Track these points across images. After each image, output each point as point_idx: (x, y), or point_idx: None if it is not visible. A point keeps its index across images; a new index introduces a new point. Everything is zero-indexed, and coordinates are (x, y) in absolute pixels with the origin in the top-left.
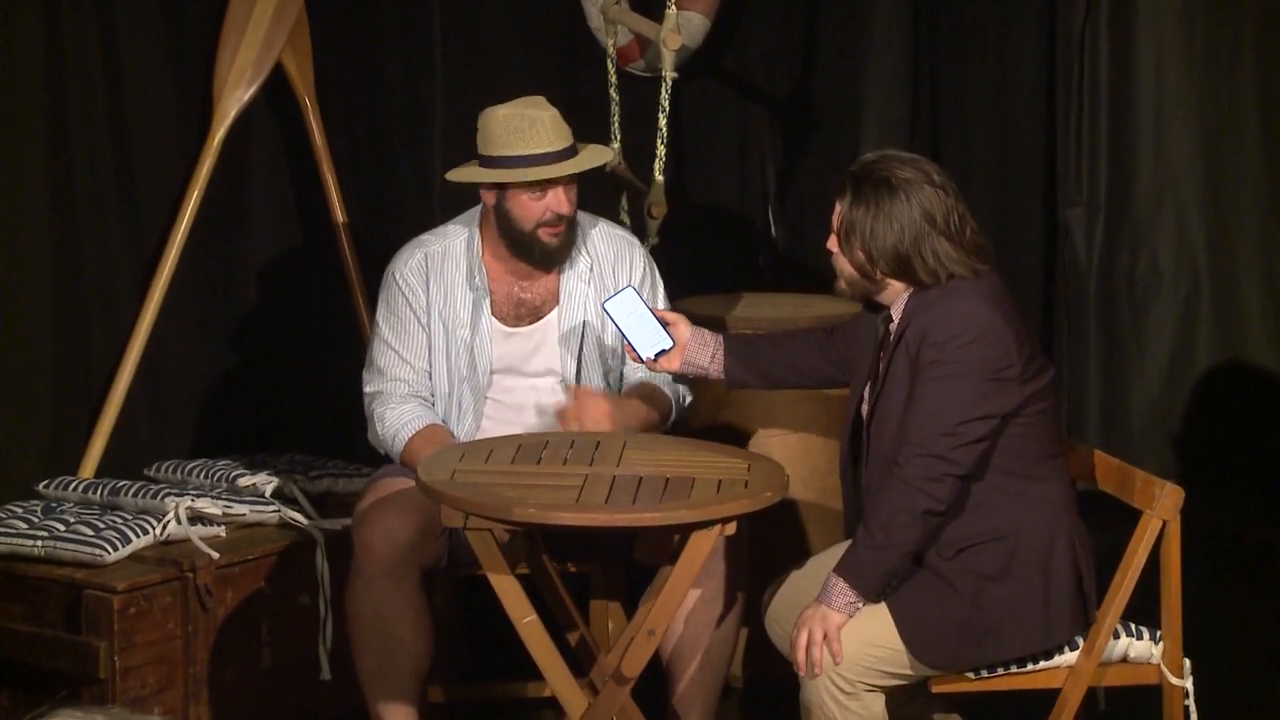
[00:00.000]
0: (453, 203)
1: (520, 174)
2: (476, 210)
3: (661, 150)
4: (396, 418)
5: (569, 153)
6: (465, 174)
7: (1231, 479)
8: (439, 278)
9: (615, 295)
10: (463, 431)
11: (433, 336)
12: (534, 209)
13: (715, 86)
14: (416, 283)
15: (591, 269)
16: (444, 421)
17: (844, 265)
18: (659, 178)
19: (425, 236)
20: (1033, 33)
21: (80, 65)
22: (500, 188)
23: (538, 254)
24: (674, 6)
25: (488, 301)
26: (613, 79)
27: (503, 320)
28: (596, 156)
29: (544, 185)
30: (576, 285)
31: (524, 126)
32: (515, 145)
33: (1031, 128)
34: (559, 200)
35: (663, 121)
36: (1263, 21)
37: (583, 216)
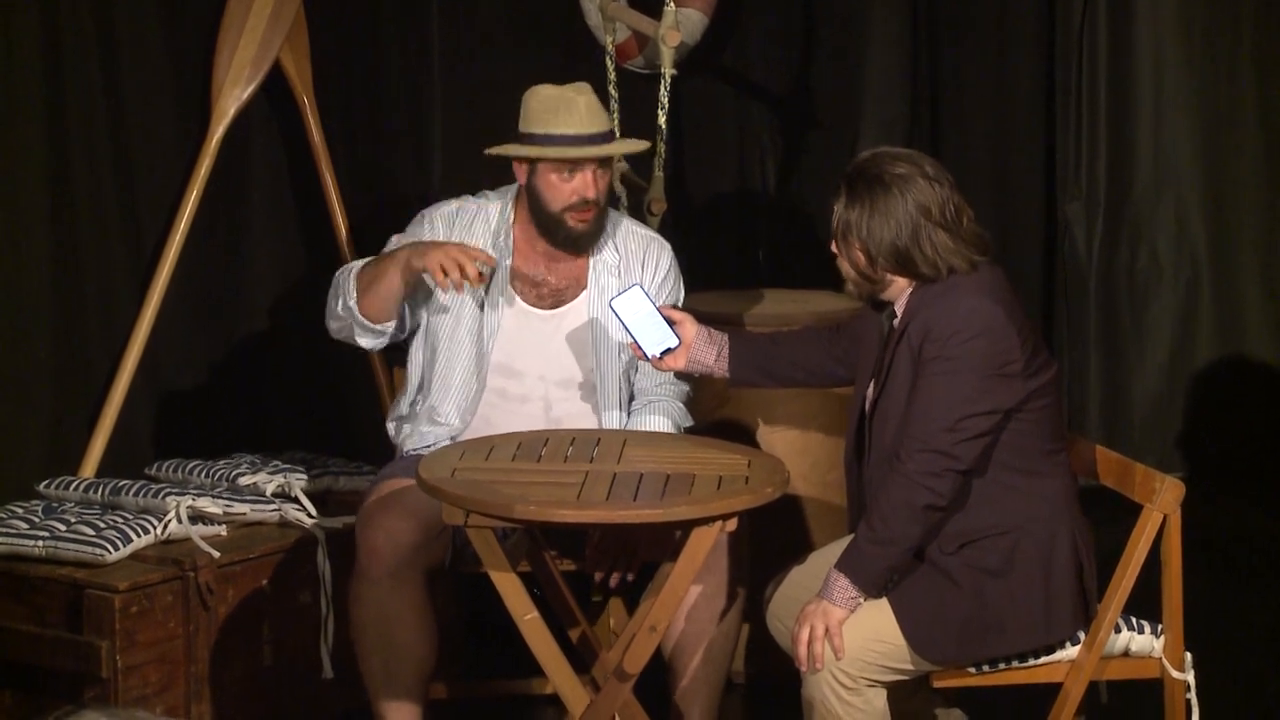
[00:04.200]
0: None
1: (548, 151)
2: (513, 187)
3: (660, 147)
4: (348, 266)
5: (601, 139)
6: (500, 148)
7: (1232, 472)
8: (466, 230)
9: (623, 293)
10: (466, 400)
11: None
12: (562, 190)
13: (714, 83)
14: (443, 227)
15: (619, 265)
16: (447, 391)
17: (846, 267)
18: (658, 174)
19: (464, 196)
20: (1032, 27)
21: (78, 64)
22: (531, 165)
23: (562, 237)
24: (672, 3)
25: (509, 264)
26: (611, 76)
27: (521, 295)
28: (628, 144)
29: (572, 167)
30: (606, 276)
31: (559, 107)
32: (549, 124)
33: (1031, 122)
34: (586, 183)
35: (662, 118)
36: (1261, 16)
37: (615, 215)
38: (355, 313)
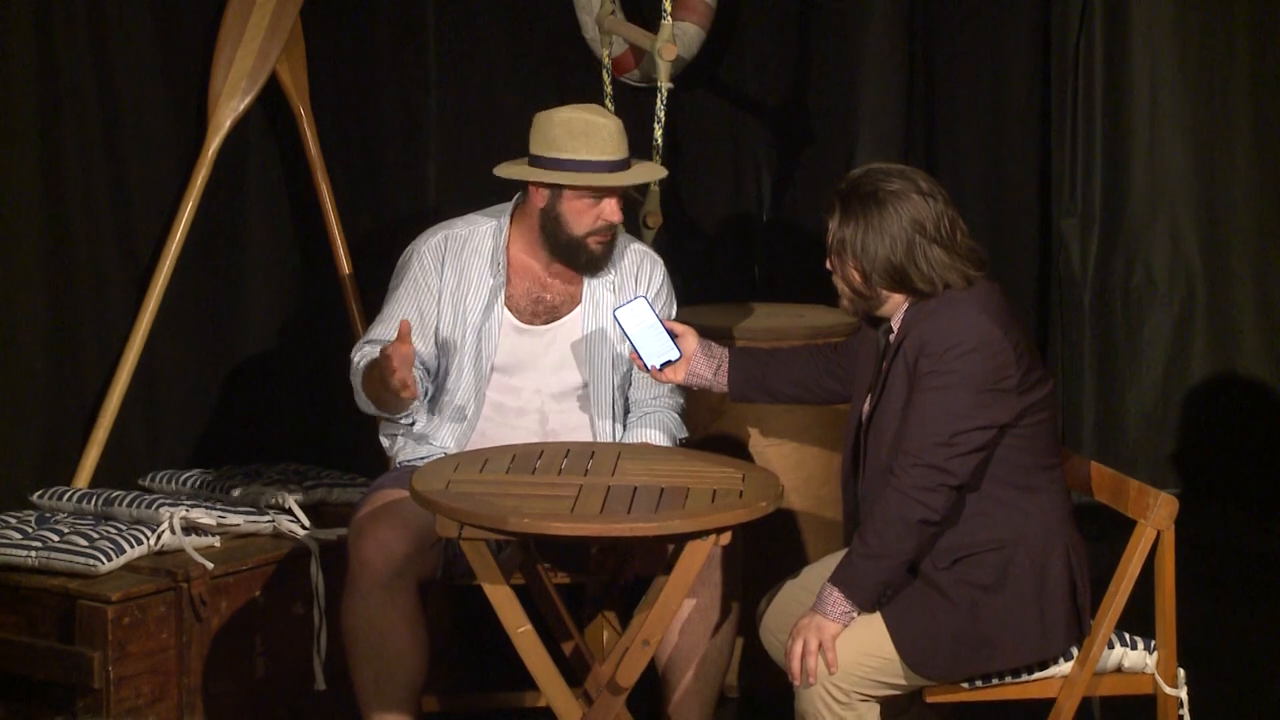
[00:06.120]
0: (449, 212)
1: (581, 178)
2: (505, 205)
3: (657, 161)
4: (363, 356)
5: (626, 164)
6: (518, 172)
7: (1225, 489)
8: (456, 260)
9: (627, 304)
10: (465, 421)
11: (441, 318)
12: (587, 215)
13: (710, 97)
14: (432, 262)
15: (614, 280)
16: (444, 407)
17: (841, 284)
18: (654, 188)
19: (452, 220)
20: (1027, 45)
21: (73, 75)
22: (555, 192)
23: (583, 260)
24: (669, 17)
25: (504, 293)
26: (608, 90)
27: (517, 315)
28: (651, 171)
29: (600, 194)
30: (601, 293)
31: (587, 131)
32: (577, 149)
33: (1026, 139)
34: (612, 209)
35: (658, 132)
36: (1255, 33)
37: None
38: (389, 416)
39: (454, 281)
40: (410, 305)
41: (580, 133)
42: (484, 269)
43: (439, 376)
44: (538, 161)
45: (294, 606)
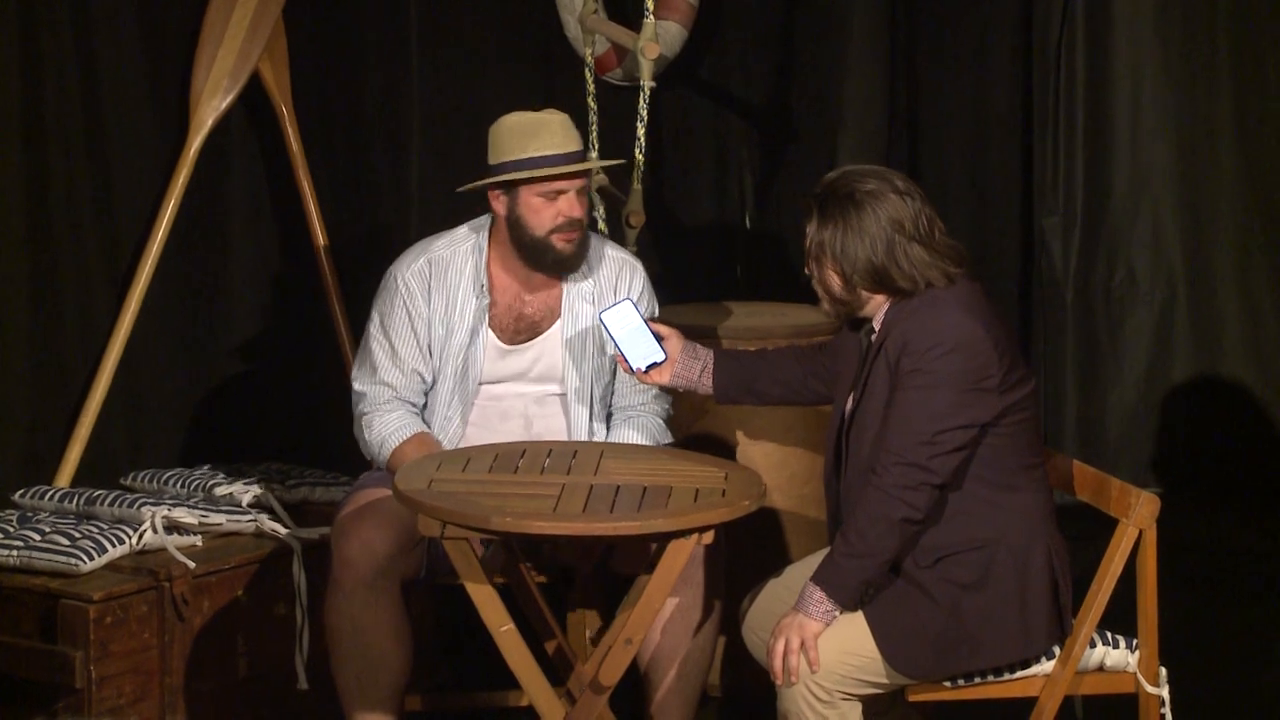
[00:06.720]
0: (432, 211)
1: (531, 173)
2: (484, 220)
3: (639, 160)
4: (384, 425)
5: (579, 157)
6: (478, 183)
7: (1207, 488)
8: (441, 283)
9: (613, 306)
10: (447, 436)
11: (432, 340)
12: (546, 213)
13: (693, 96)
14: (418, 288)
15: (594, 291)
16: (429, 421)
17: (822, 290)
18: (637, 187)
19: (433, 240)
20: (1010, 43)
21: (57, 73)
22: (511, 195)
23: (551, 261)
24: (651, 16)
25: (489, 314)
26: (590, 88)
27: (500, 335)
28: (608, 161)
29: (555, 186)
30: (580, 304)
31: (534, 130)
32: (527, 148)
33: (1009, 138)
34: (570, 204)
35: (640, 131)
36: (1238, 32)
37: (589, 236)
38: None
39: (441, 306)
40: (407, 333)
41: (528, 132)
42: (468, 290)
43: (430, 402)
44: (493, 171)
45: (276, 606)
